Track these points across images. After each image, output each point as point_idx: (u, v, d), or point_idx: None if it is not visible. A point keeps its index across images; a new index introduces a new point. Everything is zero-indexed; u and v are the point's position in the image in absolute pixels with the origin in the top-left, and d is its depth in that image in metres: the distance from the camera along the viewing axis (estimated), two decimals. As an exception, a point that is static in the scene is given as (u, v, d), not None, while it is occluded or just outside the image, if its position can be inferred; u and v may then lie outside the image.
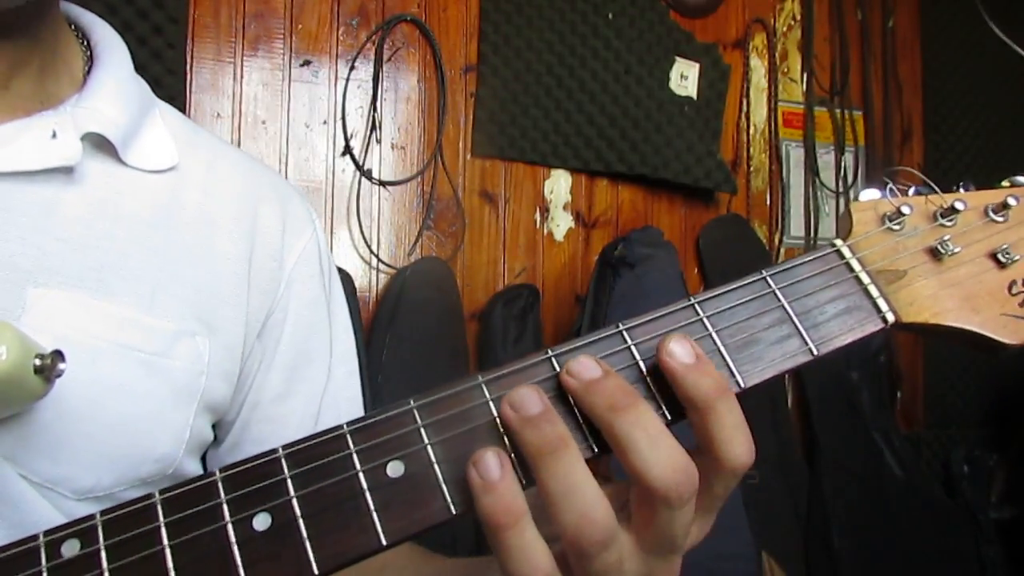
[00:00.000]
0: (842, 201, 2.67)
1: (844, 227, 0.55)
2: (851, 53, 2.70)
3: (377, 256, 2.11)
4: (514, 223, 2.27)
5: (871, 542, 2.27)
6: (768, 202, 2.61)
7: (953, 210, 0.54)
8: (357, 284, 2.08)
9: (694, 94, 2.42)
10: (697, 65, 2.43)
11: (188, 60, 1.97)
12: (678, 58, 2.40)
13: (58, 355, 0.55)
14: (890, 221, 0.54)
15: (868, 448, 2.37)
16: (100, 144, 0.69)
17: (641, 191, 2.41)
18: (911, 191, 0.54)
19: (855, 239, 0.54)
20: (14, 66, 0.66)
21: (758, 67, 2.62)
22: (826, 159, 2.67)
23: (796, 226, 2.61)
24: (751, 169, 2.58)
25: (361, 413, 0.88)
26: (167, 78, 1.90)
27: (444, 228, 2.19)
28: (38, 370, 0.54)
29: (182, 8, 1.94)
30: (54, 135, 0.65)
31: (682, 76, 2.40)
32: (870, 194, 0.55)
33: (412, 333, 1.99)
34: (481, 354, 2.15)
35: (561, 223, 2.32)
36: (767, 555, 2.04)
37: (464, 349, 2.10)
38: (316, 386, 0.84)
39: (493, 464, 0.44)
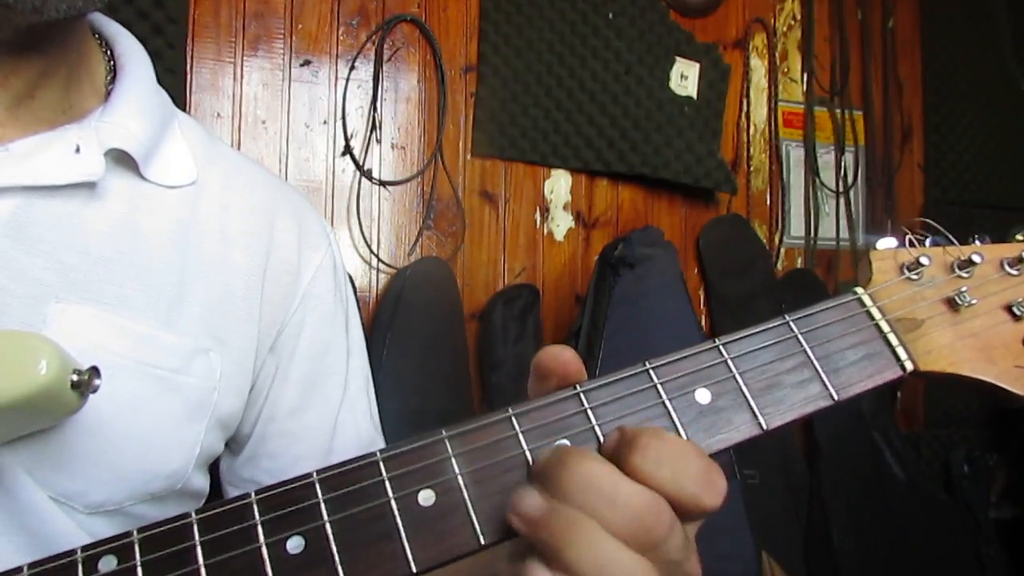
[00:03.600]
0: (842, 201, 2.68)
1: (864, 275, 0.56)
2: (851, 53, 2.70)
3: (377, 256, 2.11)
4: (514, 223, 2.27)
5: (871, 542, 2.28)
6: (768, 202, 2.61)
7: (970, 262, 0.55)
8: (357, 284, 2.09)
9: (694, 94, 2.42)
10: (697, 65, 2.42)
11: (188, 60, 1.96)
12: (678, 58, 2.39)
13: (95, 371, 0.56)
14: (909, 271, 0.55)
15: (868, 448, 2.37)
16: (122, 159, 0.69)
17: (641, 191, 2.41)
18: (928, 241, 0.55)
19: (875, 287, 0.55)
20: (42, 77, 0.66)
21: (758, 67, 2.61)
22: (826, 159, 2.67)
23: (796, 226, 2.62)
24: (751, 169, 2.58)
25: (373, 427, 0.89)
26: (167, 78, 1.89)
27: (444, 228, 2.19)
28: (75, 385, 0.55)
29: (182, 8, 1.93)
30: (77, 150, 0.65)
31: (682, 76, 2.40)
32: (889, 243, 0.56)
33: (412, 333, 1.99)
34: (481, 354, 2.16)
35: (561, 223, 2.32)
36: (767, 555, 2.05)
37: (464, 349, 2.10)
38: (332, 401, 0.85)
39: None
